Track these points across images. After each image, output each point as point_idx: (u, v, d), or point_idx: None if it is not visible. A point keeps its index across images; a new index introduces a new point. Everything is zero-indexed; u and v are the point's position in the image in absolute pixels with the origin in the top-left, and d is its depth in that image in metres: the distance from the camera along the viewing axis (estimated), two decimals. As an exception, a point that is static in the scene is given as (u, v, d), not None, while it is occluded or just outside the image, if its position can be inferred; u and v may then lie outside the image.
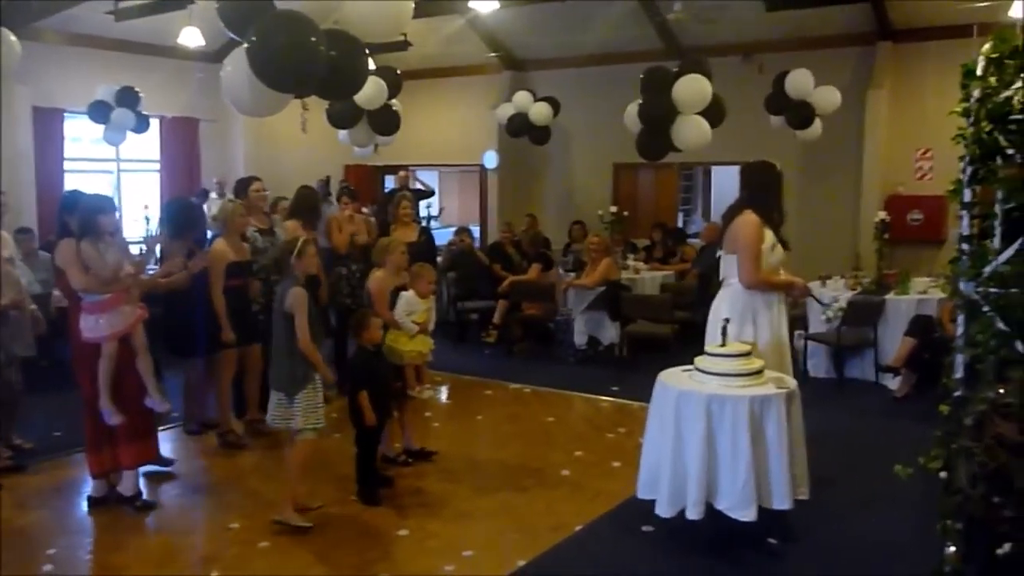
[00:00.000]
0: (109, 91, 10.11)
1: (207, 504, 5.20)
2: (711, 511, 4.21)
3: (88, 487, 5.12)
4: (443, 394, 7.60)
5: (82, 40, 10.63)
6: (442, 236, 11.32)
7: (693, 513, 4.18)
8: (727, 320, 4.41)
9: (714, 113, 8.24)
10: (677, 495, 4.25)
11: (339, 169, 13.18)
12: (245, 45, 4.37)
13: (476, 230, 12.60)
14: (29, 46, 7.25)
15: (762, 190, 4.74)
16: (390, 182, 13.18)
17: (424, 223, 10.36)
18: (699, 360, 4.42)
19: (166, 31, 10.13)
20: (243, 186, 6.89)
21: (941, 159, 9.70)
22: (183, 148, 12.10)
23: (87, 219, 4.82)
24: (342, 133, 8.87)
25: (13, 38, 6.80)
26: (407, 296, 5.46)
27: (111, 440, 4.94)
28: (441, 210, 13.14)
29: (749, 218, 4.59)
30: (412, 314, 5.43)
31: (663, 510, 4.30)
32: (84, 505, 5.02)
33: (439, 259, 9.35)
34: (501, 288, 9.29)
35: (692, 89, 8.12)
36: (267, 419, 4.82)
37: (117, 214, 5.14)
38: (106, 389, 4.81)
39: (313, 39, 4.23)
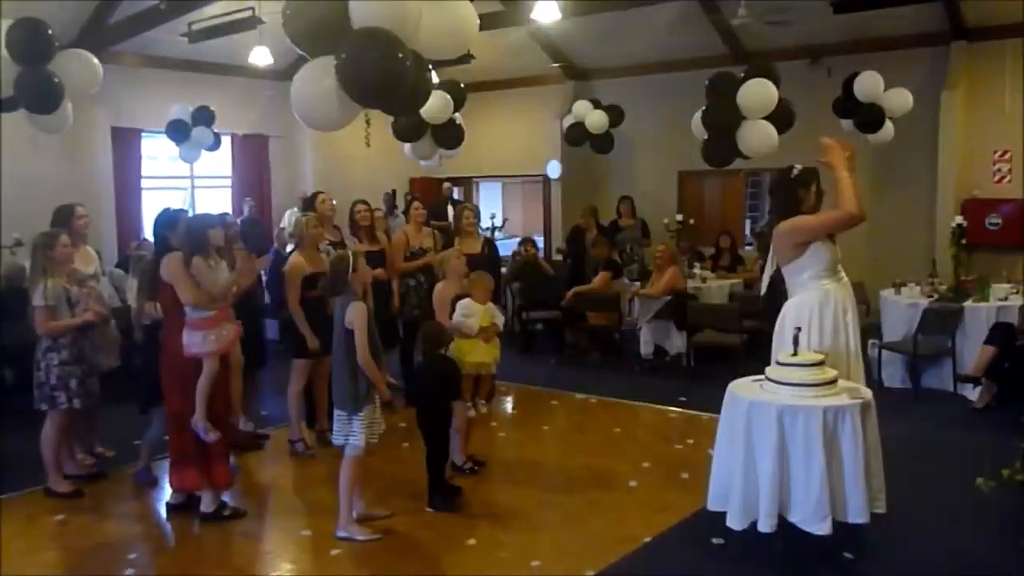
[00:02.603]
0: (185, 110, 10.41)
1: (280, 512, 5.29)
2: (784, 524, 4.13)
3: (165, 494, 5.28)
4: (508, 404, 7.62)
5: (156, 62, 10.97)
6: (506, 247, 11.37)
7: (765, 526, 4.11)
8: (798, 329, 4.33)
9: (782, 118, 8.10)
10: (749, 507, 4.18)
11: (404, 181, 13.33)
12: (317, 60, 4.45)
13: (540, 240, 12.64)
14: (108, 69, 7.50)
15: (786, 200, 4.61)
16: (454, 193, 13.32)
17: (488, 234, 10.41)
18: (770, 370, 4.35)
19: (236, 51, 10.40)
20: (311, 201, 7.06)
21: (1020, 161, 9.39)
22: (253, 165, 12.38)
23: (198, 235, 4.94)
24: (407, 146, 8.97)
25: (95, 61, 7.06)
26: (463, 301, 5.58)
27: (200, 457, 4.96)
28: (505, 220, 13.19)
29: (785, 224, 4.50)
30: (470, 317, 5.53)
31: (734, 522, 4.23)
32: (163, 511, 5.17)
33: (503, 270, 9.38)
34: (565, 300, 9.24)
35: (758, 94, 8.00)
36: (332, 436, 4.84)
37: (223, 231, 5.26)
38: (203, 406, 4.87)
39: (401, 55, 4.30)
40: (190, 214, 5.76)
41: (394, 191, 12.53)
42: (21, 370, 6.51)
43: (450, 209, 11.53)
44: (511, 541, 4.67)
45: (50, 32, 6.63)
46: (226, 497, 5.11)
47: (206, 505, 5.00)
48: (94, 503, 5.32)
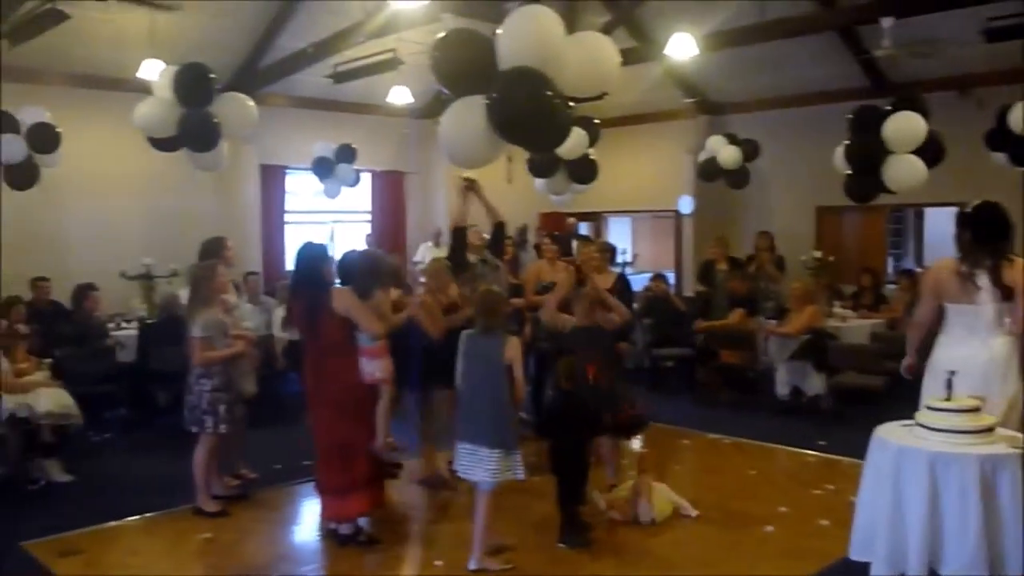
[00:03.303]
0: (328, 148, 10.87)
1: (413, 541, 5.34)
2: (935, 576, 3.89)
3: (301, 516, 5.44)
4: (637, 442, 7.49)
5: (300, 102, 11.51)
6: (638, 282, 11.27)
7: (915, 578, 3.89)
8: (952, 372, 4.10)
9: (931, 152, 7.76)
10: (896, 557, 3.96)
11: (534, 216, 13.45)
12: (465, 100, 4.57)
13: (672, 275, 12.49)
14: (258, 109, 7.93)
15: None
16: (582, 228, 13.35)
17: (620, 269, 10.35)
18: (921, 415, 4.13)
19: (374, 90, 10.80)
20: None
21: None
22: (390, 200, 12.80)
23: (381, 273, 5.30)
24: (539, 181, 9.07)
25: (251, 103, 7.48)
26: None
27: (354, 485, 5.04)
28: (635, 256, 13.11)
29: None
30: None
31: (881, 572, 4.01)
32: (299, 533, 5.33)
33: (635, 305, 9.30)
34: (696, 331, 9.08)
35: (904, 127, 7.72)
36: (486, 476, 4.67)
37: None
38: (384, 430, 5.05)
39: (550, 94, 4.38)
40: (330, 248, 5.97)
41: (525, 225, 12.66)
42: (172, 393, 6.90)
43: (575, 244, 11.54)
44: (642, 581, 4.58)
45: (211, 76, 7.06)
46: (362, 522, 5.22)
47: (346, 528, 5.13)
48: (237, 523, 5.53)
